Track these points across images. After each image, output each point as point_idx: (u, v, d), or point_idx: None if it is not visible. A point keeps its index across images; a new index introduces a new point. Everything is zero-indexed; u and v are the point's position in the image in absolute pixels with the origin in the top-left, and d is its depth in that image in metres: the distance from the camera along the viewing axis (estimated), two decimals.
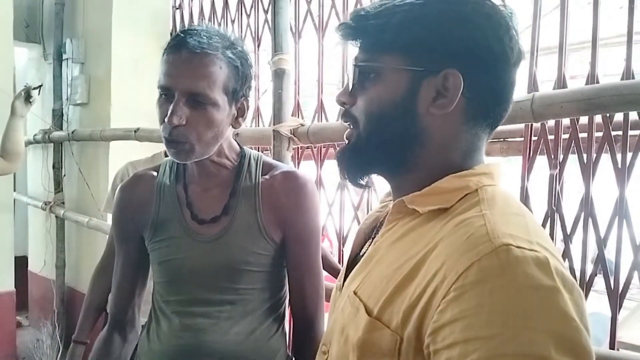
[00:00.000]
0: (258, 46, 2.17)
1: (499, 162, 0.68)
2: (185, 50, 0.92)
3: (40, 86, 2.66)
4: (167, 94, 0.94)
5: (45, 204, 3.31)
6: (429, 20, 0.61)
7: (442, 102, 0.61)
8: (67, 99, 3.19)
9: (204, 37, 0.94)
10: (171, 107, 0.92)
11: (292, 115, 1.73)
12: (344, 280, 0.72)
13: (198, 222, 1.03)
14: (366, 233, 0.77)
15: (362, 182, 0.68)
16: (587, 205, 1.19)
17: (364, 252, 0.71)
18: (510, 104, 0.65)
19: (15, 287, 3.06)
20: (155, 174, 1.10)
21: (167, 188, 1.07)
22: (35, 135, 3.37)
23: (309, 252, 1.06)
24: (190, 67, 0.92)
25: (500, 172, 0.66)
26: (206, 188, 1.05)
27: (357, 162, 0.67)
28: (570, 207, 1.23)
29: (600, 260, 1.17)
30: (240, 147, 1.10)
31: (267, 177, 1.06)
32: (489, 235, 0.52)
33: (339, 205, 1.77)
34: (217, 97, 0.95)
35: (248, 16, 2.21)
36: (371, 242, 0.71)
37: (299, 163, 1.89)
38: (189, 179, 1.07)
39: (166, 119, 0.92)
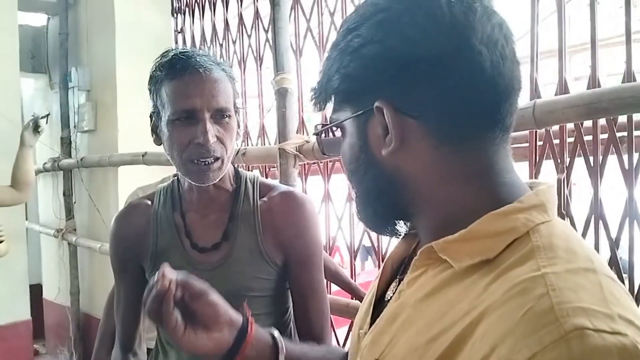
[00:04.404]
0: (260, 65, 2.19)
1: (549, 182, 0.54)
2: (199, 69, 0.93)
3: (48, 115, 2.70)
4: (187, 116, 0.94)
5: (57, 232, 3.34)
6: (346, 53, 0.53)
7: (389, 138, 0.51)
8: (74, 126, 3.23)
9: (203, 56, 0.96)
10: (201, 127, 0.92)
11: (296, 132, 1.75)
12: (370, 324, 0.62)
13: (199, 250, 1.02)
14: (394, 269, 0.65)
15: (388, 232, 0.60)
16: (596, 208, 1.19)
17: (390, 295, 0.61)
18: (502, 88, 0.50)
19: (30, 315, 3.08)
20: (150, 202, 1.09)
21: (164, 217, 1.06)
22: (44, 163, 3.40)
23: (312, 273, 1.04)
24: (211, 84, 0.94)
25: (554, 198, 0.52)
26: (204, 214, 1.04)
27: (367, 217, 0.60)
28: (581, 210, 1.23)
29: (613, 261, 1.16)
30: (236, 169, 1.09)
31: (265, 199, 1.05)
32: (554, 311, 0.40)
33: (349, 219, 1.78)
34: (232, 110, 0.98)
35: (249, 36, 2.25)
36: (397, 284, 0.60)
37: (306, 179, 1.90)
38: (187, 206, 1.05)
39: (199, 140, 0.92)
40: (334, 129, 0.60)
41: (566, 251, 0.46)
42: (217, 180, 0.99)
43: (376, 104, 0.51)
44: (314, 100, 0.59)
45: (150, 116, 1.02)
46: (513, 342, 0.40)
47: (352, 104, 0.55)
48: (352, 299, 1.67)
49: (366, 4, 0.54)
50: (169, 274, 0.67)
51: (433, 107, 0.50)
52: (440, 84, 0.49)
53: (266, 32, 2.12)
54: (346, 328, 1.83)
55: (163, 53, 0.99)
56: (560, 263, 0.44)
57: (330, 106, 0.59)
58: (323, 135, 0.64)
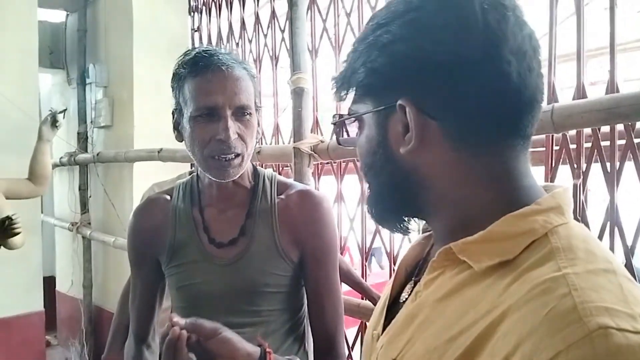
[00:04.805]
0: (276, 64, 2.21)
1: (564, 185, 0.55)
2: (222, 67, 0.95)
3: (65, 110, 2.74)
4: (209, 113, 0.95)
5: (72, 225, 3.38)
6: (375, 48, 0.53)
7: (408, 137, 0.52)
8: (91, 122, 3.27)
9: (225, 55, 0.97)
10: (223, 124, 0.94)
11: (311, 132, 1.76)
12: (383, 327, 0.62)
13: (216, 245, 1.03)
14: (407, 271, 0.65)
15: (398, 229, 0.60)
16: (612, 214, 1.18)
17: (405, 297, 0.61)
18: (527, 99, 0.50)
19: (43, 307, 3.12)
20: (169, 197, 1.11)
21: (183, 212, 1.07)
22: (61, 158, 3.45)
23: (327, 271, 1.05)
24: (233, 82, 0.96)
25: (570, 200, 0.53)
26: (222, 210, 1.05)
27: (378, 211, 0.60)
28: (595, 217, 1.22)
29: (628, 269, 1.15)
30: (254, 167, 1.10)
31: (282, 196, 1.06)
32: (577, 311, 0.40)
33: (361, 220, 1.78)
34: (253, 108, 1.00)
35: (265, 36, 2.26)
36: (413, 286, 0.60)
37: (319, 179, 1.91)
38: (205, 201, 1.07)
39: (221, 137, 0.94)
40: (352, 120, 0.61)
41: (585, 252, 0.46)
42: (237, 176, 1.00)
43: (399, 101, 0.52)
44: (334, 90, 0.59)
45: (173, 113, 1.04)
46: (537, 340, 0.40)
47: (374, 98, 0.55)
48: (362, 299, 1.67)
49: (398, 1, 0.54)
50: (179, 321, 0.70)
51: (456, 111, 0.50)
52: (466, 88, 0.49)
53: (282, 31, 2.14)
54: (356, 328, 1.83)
55: (186, 52, 1.01)
56: (580, 264, 0.45)
57: (350, 98, 0.59)
58: (342, 131, 0.64)
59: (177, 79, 0.99)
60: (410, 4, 0.52)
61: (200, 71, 0.95)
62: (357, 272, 1.68)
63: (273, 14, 2.20)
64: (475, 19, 0.49)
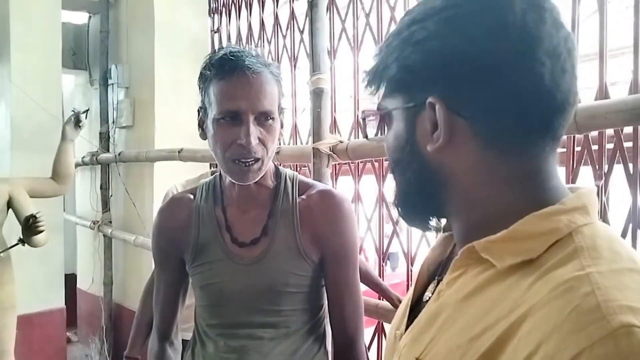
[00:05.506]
0: (294, 65, 2.22)
1: (589, 186, 0.54)
2: (247, 72, 0.95)
3: (87, 110, 2.79)
4: (232, 117, 0.96)
5: (94, 223, 3.44)
6: (409, 44, 0.53)
7: (437, 134, 0.52)
8: (113, 122, 3.33)
9: (253, 58, 0.97)
10: (244, 129, 0.95)
11: (330, 132, 1.76)
12: (406, 326, 0.62)
13: (238, 245, 1.04)
14: (430, 271, 0.65)
15: (422, 226, 0.61)
16: (634, 217, 1.16)
17: (428, 296, 0.61)
18: (559, 101, 0.50)
19: (64, 304, 3.18)
20: (192, 197, 1.12)
21: (206, 211, 1.08)
22: (83, 157, 3.51)
23: (347, 271, 1.06)
24: (257, 87, 0.96)
25: (595, 201, 0.53)
26: (244, 210, 1.06)
27: (405, 209, 0.60)
28: (617, 218, 1.21)
29: None
30: (276, 167, 1.11)
31: (303, 197, 1.07)
32: (601, 309, 0.40)
33: (378, 220, 1.78)
34: (276, 112, 1.00)
35: (284, 37, 2.27)
36: (436, 285, 0.60)
37: (336, 179, 1.91)
38: (227, 201, 1.08)
39: (242, 141, 0.95)
40: (381, 116, 0.60)
41: (610, 252, 0.46)
42: (256, 179, 1.01)
43: (429, 99, 0.51)
44: (365, 83, 0.59)
45: (198, 111, 1.05)
46: (560, 339, 0.40)
47: (405, 94, 0.55)
48: (379, 298, 1.68)
49: None
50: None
51: (486, 111, 0.50)
52: (498, 89, 0.49)
53: (301, 32, 2.15)
54: (373, 328, 1.83)
55: (214, 51, 1.01)
56: (604, 263, 0.45)
57: (380, 93, 0.59)
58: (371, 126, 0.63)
59: (203, 80, 1.00)
60: (447, 1, 0.52)
61: (226, 75, 0.96)
62: (375, 273, 1.68)
63: (292, 14, 2.21)
64: (514, 19, 0.48)
